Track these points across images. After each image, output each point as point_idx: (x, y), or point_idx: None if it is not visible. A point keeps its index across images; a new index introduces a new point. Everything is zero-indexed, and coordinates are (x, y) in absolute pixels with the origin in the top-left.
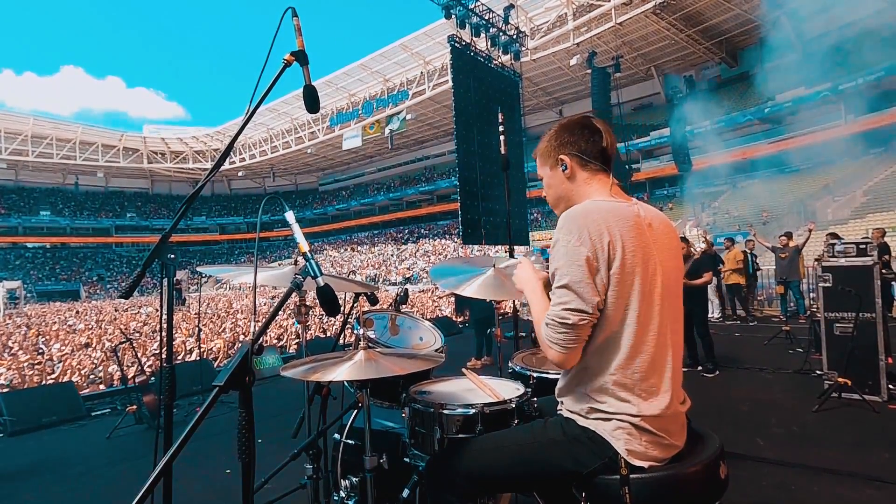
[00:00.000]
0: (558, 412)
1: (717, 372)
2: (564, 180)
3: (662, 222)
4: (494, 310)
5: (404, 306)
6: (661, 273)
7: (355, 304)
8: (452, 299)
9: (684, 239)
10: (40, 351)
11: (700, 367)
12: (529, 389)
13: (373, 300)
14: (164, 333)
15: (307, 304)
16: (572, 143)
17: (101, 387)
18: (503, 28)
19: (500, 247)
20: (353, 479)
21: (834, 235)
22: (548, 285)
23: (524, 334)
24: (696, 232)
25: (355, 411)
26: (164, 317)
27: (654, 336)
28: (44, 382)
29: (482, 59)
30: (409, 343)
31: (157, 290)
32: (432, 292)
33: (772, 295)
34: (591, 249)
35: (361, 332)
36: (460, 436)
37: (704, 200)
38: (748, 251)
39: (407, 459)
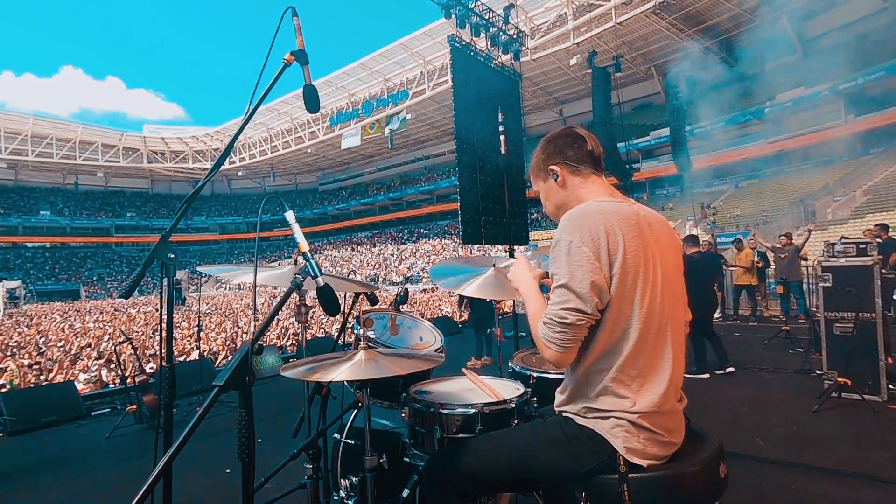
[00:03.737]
0: (557, 412)
1: (708, 375)
2: (559, 189)
3: (661, 222)
4: (494, 309)
5: (404, 306)
6: (662, 272)
7: (355, 304)
8: (454, 298)
9: (694, 238)
10: (40, 351)
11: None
12: (529, 389)
13: (373, 300)
14: (164, 333)
15: (307, 303)
16: (558, 152)
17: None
18: (503, 28)
19: (500, 247)
20: (353, 479)
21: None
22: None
23: (524, 334)
24: (698, 232)
25: (355, 411)
26: (165, 316)
27: (654, 335)
28: (43, 382)
29: (482, 59)
30: (409, 343)
31: (158, 289)
32: (432, 292)
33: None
34: (592, 249)
35: (361, 332)
36: (460, 435)
37: (704, 200)
38: (753, 250)
39: (407, 459)
